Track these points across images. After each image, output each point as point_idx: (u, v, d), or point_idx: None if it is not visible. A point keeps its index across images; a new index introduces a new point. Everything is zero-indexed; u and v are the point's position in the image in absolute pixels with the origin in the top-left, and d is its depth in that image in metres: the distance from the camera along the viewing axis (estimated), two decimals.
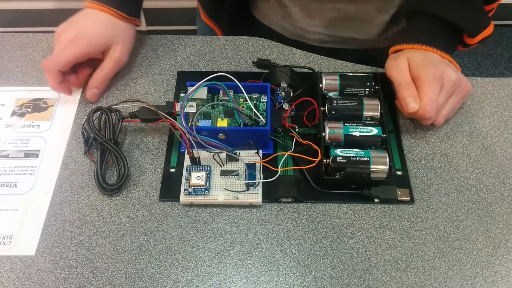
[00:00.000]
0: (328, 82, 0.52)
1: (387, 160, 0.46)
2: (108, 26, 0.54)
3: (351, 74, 0.54)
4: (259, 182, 0.47)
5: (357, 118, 0.50)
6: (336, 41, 0.66)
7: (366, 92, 0.52)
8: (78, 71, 0.55)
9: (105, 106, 0.50)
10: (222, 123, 0.48)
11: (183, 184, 0.47)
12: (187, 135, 0.45)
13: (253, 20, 0.70)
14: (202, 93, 0.49)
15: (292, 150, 0.49)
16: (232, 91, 0.50)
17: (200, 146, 0.46)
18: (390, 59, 0.53)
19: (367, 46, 0.68)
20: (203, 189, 0.46)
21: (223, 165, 0.48)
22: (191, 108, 0.48)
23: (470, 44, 0.55)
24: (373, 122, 0.49)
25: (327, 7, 0.63)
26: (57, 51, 0.52)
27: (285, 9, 0.65)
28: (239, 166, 0.48)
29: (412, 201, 0.47)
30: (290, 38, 0.68)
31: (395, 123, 0.53)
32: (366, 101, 0.50)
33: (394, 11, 0.63)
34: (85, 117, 0.50)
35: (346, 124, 0.48)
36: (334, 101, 0.50)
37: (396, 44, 0.54)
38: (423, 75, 0.49)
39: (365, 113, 0.50)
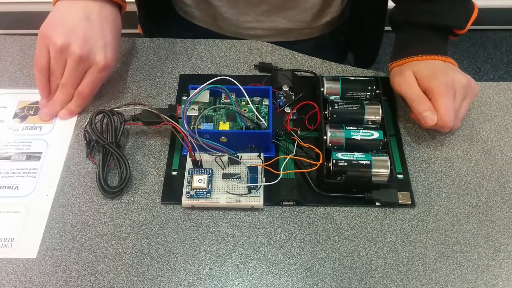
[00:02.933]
0: (330, 86, 0.52)
1: (388, 163, 0.46)
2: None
3: (353, 78, 0.54)
4: (260, 185, 0.47)
5: (359, 122, 0.50)
6: (273, 35, 0.66)
7: (368, 96, 0.52)
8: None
9: (107, 109, 0.50)
10: (224, 126, 0.48)
11: (185, 187, 0.47)
12: (189, 138, 0.45)
13: (184, 22, 0.71)
14: (204, 96, 0.49)
15: (294, 153, 0.49)
16: (234, 94, 0.50)
17: (202, 149, 0.46)
18: (395, 75, 0.53)
19: (304, 36, 0.69)
20: (205, 192, 0.47)
21: (225, 168, 0.48)
22: (193, 111, 0.48)
23: (461, 33, 0.55)
24: (374, 126, 0.49)
25: (255, 2, 0.63)
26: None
27: (216, 9, 0.65)
28: (241, 169, 0.48)
29: (413, 204, 0.47)
30: (229, 36, 0.69)
31: (396, 127, 0.53)
32: (367, 105, 0.50)
33: None
34: (87, 120, 0.50)
35: (348, 127, 0.48)
36: (336, 105, 0.51)
37: (394, 59, 0.54)
38: (435, 86, 0.49)
39: (366, 117, 0.50)
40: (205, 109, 0.48)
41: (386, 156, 0.47)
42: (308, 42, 0.69)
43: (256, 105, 0.50)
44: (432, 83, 0.49)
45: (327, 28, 0.70)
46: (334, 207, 0.48)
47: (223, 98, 0.50)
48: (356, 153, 0.47)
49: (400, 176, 0.49)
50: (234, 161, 0.48)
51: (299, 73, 0.57)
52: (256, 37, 0.66)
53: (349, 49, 0.78)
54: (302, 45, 0.62)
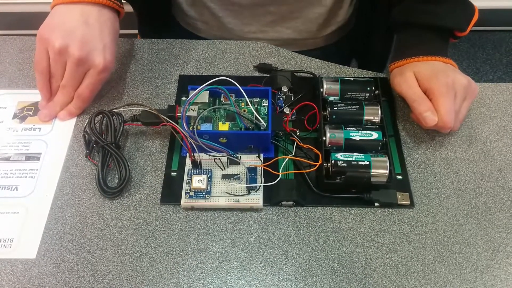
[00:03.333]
0: (329, 87, 0.52)
1: (387, 164, 0.46)
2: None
3: (352, 78, 0.54)
4: (260, 186, 0.47)
5: (358, 123, 0.50)
6: (278, 45, 0.66)
7: (367, 97, 0.52)
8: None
9: (107, 110, 0.50)
10: (224, 127, 0.48)
11: (184, 188, 0.47)
12: (189, 138, 0.45)
13: (185, 32, 0.71)
14: (204, 97, 0.49)
15: (293, 154, 0.49)
16: (233, 95, 0.50)
17: (202, 150, 0.46)
18: (395, 76, 0.53)
19: (310, 47, 0.69)
20: (204, 193, 0.47)
21: (224, 169, 0.48)
22: (192, 112, 0.48)
23: (462, 36, 0.55)
24: (373, 127, 0.49)
25: (260, 12, 0.63)
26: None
27: (220, 20, 0.65)
28: (240, 170, 0.48)
29: (412, 205, 0.48)
30: None
31: (395, 128, 0.54)
32: (366, 106, 0.51)
33: (331, 4, 0.64)
34: (87, 120, 0.50)
35: (347, 128, 0.49)
36: (335, 105, 0.51)
37: (394, 60, 0.54)
38: (436, 87, 0.49)
39: (365, 117, 0.50)
40: (204, 109, 0.49)
41: (385, 156, 0.47)
42: (312, 52, 0.69)
43: (256, 106, 0.50)
44: (433, 83, 0.49)
45: (333, 38, 0.70)
46: (333, 208, 0.48)
47: (222, 99, 0.50)
48: (355, 154, 0.47)
49: (399, 177, 0.49)
50: (233, 162, 0.48)
51: (298, 74, 0.58)
52: None
53: (353, 55, 0.78)
54: (307, 55, 0.62)
